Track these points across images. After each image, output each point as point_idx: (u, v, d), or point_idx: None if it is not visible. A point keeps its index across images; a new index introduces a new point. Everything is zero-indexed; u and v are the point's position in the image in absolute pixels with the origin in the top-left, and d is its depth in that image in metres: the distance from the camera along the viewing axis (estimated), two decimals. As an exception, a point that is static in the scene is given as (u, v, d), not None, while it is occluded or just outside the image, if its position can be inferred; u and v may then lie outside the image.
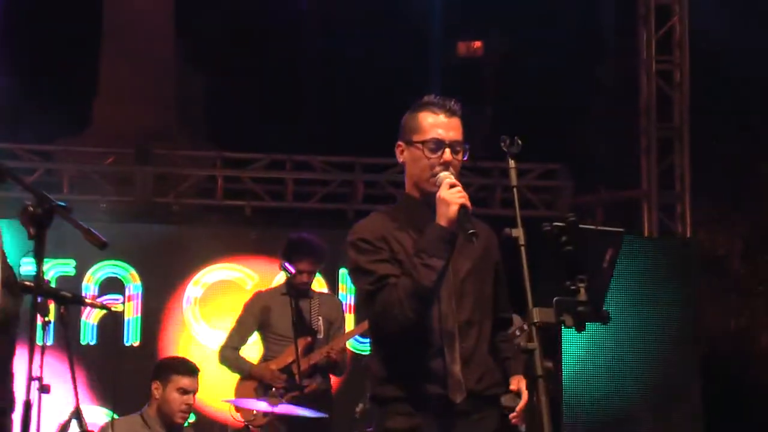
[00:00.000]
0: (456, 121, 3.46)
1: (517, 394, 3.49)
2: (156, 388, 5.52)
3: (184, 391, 5.49)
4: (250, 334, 6.64)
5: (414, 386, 3.37)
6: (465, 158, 3.48)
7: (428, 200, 3.39)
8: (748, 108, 10.34)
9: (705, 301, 9.78)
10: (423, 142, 3.42)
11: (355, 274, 3.45)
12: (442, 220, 3.28)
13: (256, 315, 6.54)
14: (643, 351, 8.41)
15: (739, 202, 10.58)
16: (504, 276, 3.64)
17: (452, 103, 3.49)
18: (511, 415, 3.48)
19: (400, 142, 3.52)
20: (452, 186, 3.31)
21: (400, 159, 3.52)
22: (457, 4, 10.30)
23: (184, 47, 11.26)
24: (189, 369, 5.62)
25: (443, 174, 3.35)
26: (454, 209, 3.27)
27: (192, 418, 8.21)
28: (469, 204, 3.30)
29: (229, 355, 6.55)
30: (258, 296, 6.70)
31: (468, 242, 3.31)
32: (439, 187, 3.33)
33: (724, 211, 10.59)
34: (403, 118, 3.55)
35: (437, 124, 3.44)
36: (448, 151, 3.40)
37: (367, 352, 7.84)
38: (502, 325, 3.67)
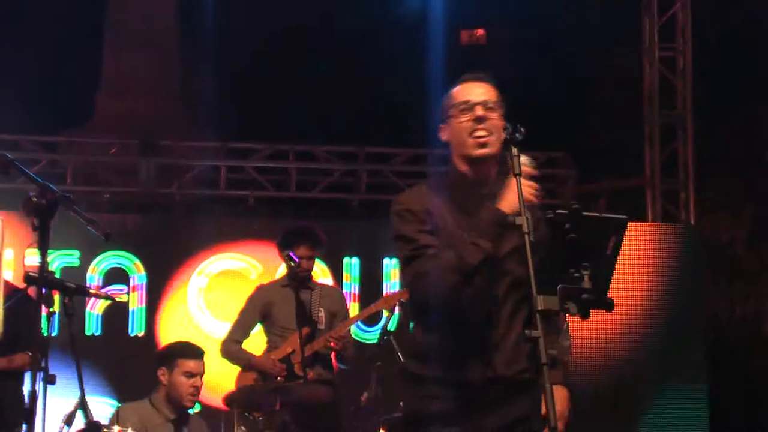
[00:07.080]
0: (484, 85, 3.53)
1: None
2: (162, 374, 5.54)
3: (191, 375, 5.52)
4: (252, 327, 6.64)
5: (447, 369, 3.37)
6: (503, 115, 3.45)
7: (473, 175, 3.42)
8: (752, 95, 10.32)
9: (710, 288, 9.77)
10: (453, 106, 3.48)
11: (397, 242, 3.46)
12: (505, 206, 3.26)
13: (259, 308, 6.54)
14: (649, 338, 8.42)
15: (743, 189, 10.56)
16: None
17: (479, 73, 3.56)
18: None
19: (441, 125, 3.57)
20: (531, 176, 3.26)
21: (444, 138, 3.55)
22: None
23: (187, 38, 11.25)
24: (194, 352, 5.64)
25: (524, 158, 3.26)
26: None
27: (197, 408, 8.25)
28: (535, 201, 3.26)
29: (231, 348, 6.55)
30: (260, 289, 6.69)
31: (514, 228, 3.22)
32: (516, 167, 3.21)
33: (728, 198, 10.58)
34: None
35: (465, 90, 3.51)
36: (478, 107, 3.44)
37: (372, 341, 7.88)
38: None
